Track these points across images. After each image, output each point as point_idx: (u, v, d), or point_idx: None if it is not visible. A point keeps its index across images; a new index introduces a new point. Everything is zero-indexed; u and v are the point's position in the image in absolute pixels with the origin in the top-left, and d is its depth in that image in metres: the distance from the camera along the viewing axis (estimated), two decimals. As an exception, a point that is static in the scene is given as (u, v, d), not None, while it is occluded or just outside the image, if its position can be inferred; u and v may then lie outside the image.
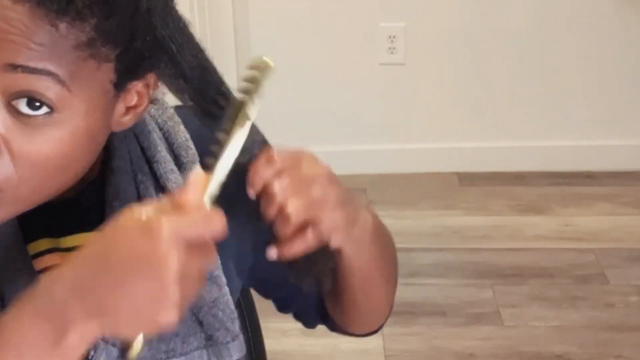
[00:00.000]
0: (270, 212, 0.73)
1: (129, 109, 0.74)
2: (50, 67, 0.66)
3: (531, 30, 2.86)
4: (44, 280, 0.66)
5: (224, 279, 0.81)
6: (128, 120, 0.75)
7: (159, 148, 0.81)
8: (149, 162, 0.81)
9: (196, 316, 0.80)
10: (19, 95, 0.66)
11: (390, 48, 2.90)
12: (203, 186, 0.66)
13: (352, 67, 2.93)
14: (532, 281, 2.42)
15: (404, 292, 2.31)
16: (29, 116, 0.67)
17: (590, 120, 2.97)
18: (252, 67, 0.72)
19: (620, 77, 2.91)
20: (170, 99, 0.86)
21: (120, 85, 0.71)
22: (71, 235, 0.81)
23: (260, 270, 0.89)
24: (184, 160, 0.83)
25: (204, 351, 0.80)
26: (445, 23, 2.87)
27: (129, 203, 0.78)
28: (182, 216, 0.63)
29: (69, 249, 0.80)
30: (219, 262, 0.81)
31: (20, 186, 0.69)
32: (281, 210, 0.72)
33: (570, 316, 2.28)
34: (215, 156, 0.69)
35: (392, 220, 2.69)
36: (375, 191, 2.88)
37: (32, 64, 0.65)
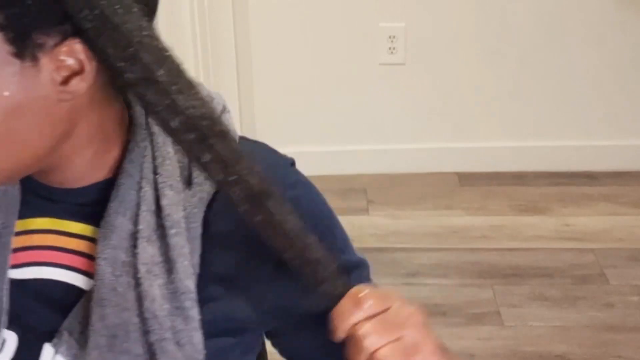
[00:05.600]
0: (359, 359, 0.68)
1: (70, 77, 0.70)
2: None
3: (531, 30, 2.86)
4: None
5: (195, 315, 0.76)
6: (76, 86, 0.70)
7: (167, 162, 0.78)
8: (155, 172, 0.79)
9: (146, 339, 0.76)
10: None
11: (390, 48, 2.90)
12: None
13: (352, 67, 2.93)
14: (532, 281, 2.42)
15: (404, 292, 2.29)
16: None
17: (590, 120, 2.97)
18: None
19: (620, 78, 2.91)
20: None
21: (27, 54, 0.67)
22: (72, 221, 0.81)
23: (288, 339, 0.86)
24: (195, 181, 0.79)
25: None
26: (445, 23, 2.87)
27: (127, 206, 0.77)
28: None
29: (70, 234, 0.81)
30: (195, 296, 0.77)
31: None
32: (371, 357, 0.68)
33: (570, 316, 2.28)
34: None
35: (392, 220, 2.72)
36: (375, 191, 2.88)
37: None
